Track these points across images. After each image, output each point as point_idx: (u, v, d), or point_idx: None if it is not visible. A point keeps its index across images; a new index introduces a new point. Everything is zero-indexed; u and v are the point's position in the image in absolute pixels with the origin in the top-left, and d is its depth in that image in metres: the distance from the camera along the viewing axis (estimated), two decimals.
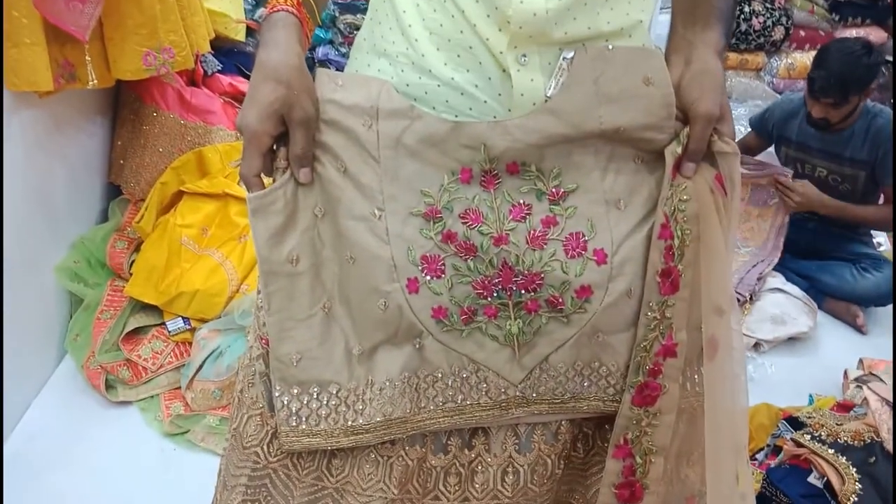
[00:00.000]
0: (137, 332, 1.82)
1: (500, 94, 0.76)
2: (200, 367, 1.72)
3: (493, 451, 0.84)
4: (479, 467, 0.84)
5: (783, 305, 2.25)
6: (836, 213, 2.35)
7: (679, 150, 0.78)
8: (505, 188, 0.78)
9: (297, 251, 0.78)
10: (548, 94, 0.76)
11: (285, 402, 0.79)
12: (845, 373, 1.94)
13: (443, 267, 0.77)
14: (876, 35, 3.55)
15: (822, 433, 1.49)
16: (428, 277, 0.77)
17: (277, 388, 0.79)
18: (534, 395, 0.81)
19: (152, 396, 1.76)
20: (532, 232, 0.78)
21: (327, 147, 0.77)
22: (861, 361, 1.96)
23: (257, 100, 0.74)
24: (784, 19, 3.36)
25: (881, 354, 2.00)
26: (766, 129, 2.49)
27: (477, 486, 0.84)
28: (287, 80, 0.74)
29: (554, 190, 0.78)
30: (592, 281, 0.78)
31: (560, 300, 0.78)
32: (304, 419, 0.79)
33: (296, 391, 0.79)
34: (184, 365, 1.77)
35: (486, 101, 0.76)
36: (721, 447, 0.84)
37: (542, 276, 0.77)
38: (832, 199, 2.34)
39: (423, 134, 0.76)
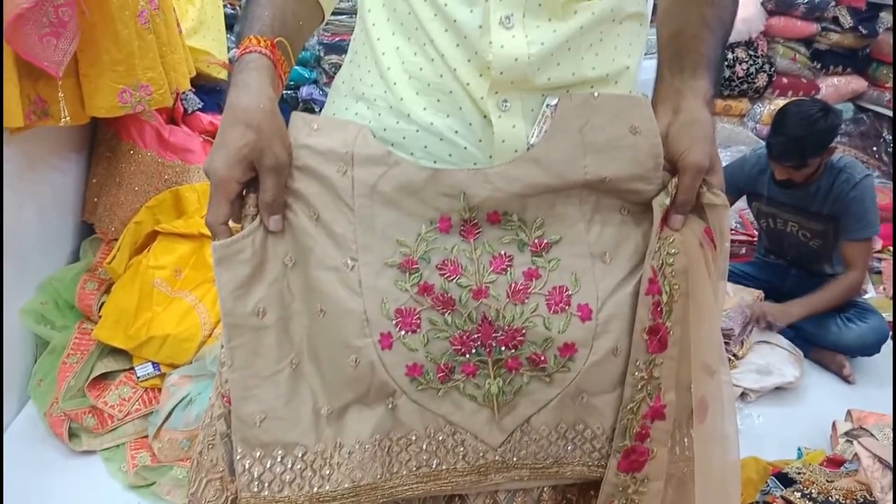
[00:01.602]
0: (104, 377, 1.76)
1: (480, 141, 0.73)
2: (169, 415, 1.65)
3: None
4: None
5: (768, 356, 2.22)
6: (809, 313, 2.35)
7: (667, 201, 0.75)
8: (485, 238, 0.74)
9: (264, 303, 0.74)
10: (530, 142, 0.73)
11: (247, 466, 0.74)
12: (834, 425, 1.91)
13: (419, 321, 0.73)
14: (856, 84, 3.60)
15: (813, 491, 1.45)
16: (402, 332, 0.73)
17: (239, 450, 0.74)
18: (514, 459, 0.76)
19: (118, 446, 1.69)
20: (513, 285, 0.74)
21: (299, 194, 0.73)
22: (849, 413, 1.93)
23: (226, 145, 0.70)
24: (767, 66, 3.40)
25: (869, 405, 1.98)
26: (733, 187, 2.50)
27: None
28: (257, 124, 0.70)
29: (536, 241, 0.75)
30: (576, 338, 0.74)
31: (542, 358, 0.74)
32: (266, 485, 0.74)
33: (258, 454, 0.74)
34: (151, 413, 1.71)
35: (466, 148, 0.74)
36: None
37: (524, 332, 0.74)
38: (796, 306, 2.34)
39: (401, 181, 0.73)
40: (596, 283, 0.75)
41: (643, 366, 0.75)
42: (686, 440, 0.81)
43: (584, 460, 0.78)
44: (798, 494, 1.45)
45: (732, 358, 2.21)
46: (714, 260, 0.78)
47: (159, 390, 1.74)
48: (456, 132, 0.73)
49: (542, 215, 0.75)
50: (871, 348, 2.33)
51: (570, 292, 0.75)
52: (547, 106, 0.73)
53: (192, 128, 2.12)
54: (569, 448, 0.77)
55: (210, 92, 2.26)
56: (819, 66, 3.56)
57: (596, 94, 0.74)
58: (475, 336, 0.74)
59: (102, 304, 1.83)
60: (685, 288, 0.75)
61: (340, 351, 0.73)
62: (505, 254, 0.75)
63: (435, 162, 0.74)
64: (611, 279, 0.76)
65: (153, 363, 1.75)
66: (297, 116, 0.76)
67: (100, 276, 1.89)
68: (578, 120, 0.73)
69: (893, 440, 1.59)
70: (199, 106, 2.15)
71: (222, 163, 0.70)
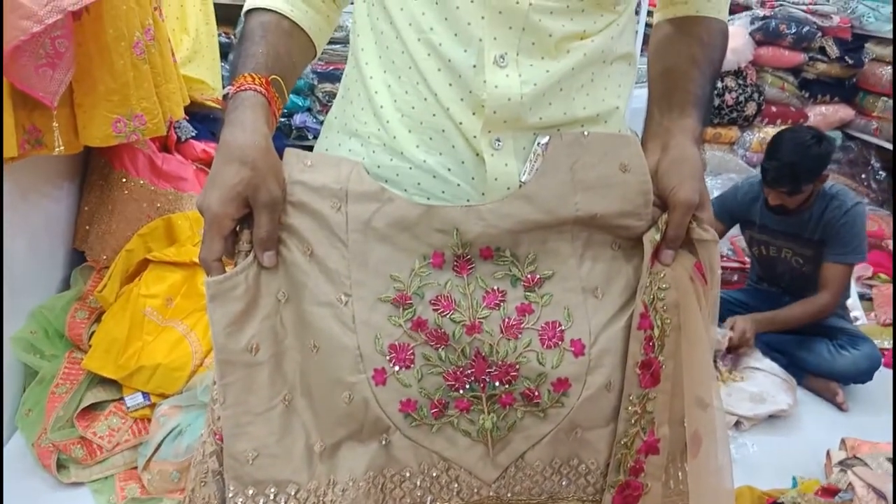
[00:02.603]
0: (94, 407, 1.74)
1: (473, 178, 0.74)
2: (159, 446, 1.63)
3: None
4: None
5: (762, 384, 2.22)
6: (779, 326, 2.38)
7: (657, 237, 0.76)
8: (478, 274, 0.75)
9: (256, 339, 0.73)
10: (522, 180, 0.74)
11: None
12: (828, 454, 1.90)
13: (412, 356, 0.73)
14: (843, 112, 3.65)
15: None
16: (396, 368, 0.73)
17: (231, 488, 0.73)
18: (509, 495, 0.76)
19: (106, 477, 1.67)
20: (506, 320, 0.74)
21: (293, 230, 0.73)
22: (843, 442, 1.93)
23: (220, 182, 0.70)
24: (756, 95, 3.45)
25: (863, 433, 1.98)
26: (725, 214, 2.52)
27: None
28: (252, 161, 0.71)
29: (529, 276, 0.76)
30: (570, 373, 0.74)
31: (536, 393, 0.74)
32: None
33: (251, 492, 0.73)
34: (141, 443, 1.69)
35: (459, 185, 0.74)
36: None
37: (517, 367, 0.74)
38: (764, 314, 2.38)
39: (394, 217, 0.73)
40: (588, 319, 0.76)
41: (636, 400, 0.76)
42: (680, 474, 0.82)
43: (579, 495, 0.78)
44: None
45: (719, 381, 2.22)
46: (705, 294, 0.79)
47: (149, 420, 1.72)
48: (449, 170, 0.74)
49: (535, 251, 0.75)
50: (864, 375, 2.34)
51: (562, 327, 0.75)
52: (538, 144, 0.74)
53: (186, 156, 2.12)
54: (563, 483, 0.77)
55: (204, 120, 2.27)
56: (807, 94, 3.62)
57: (586, 132, 0.75)
58: (469, 371, 0.74)
59: (93, 333, 1.81)
60: (677, 322, 0.76)
61: (334, 387, 0.73)
62: (498, 289, 0.75)
63: (428, 199, 0.75)
64: (603, 314, 0.76)
65: (143, 393, 1.73)
66: (291, 153, 0.77)
67: (90, 305, 1.87)
68: (569, 158, 0.74)
69: (893, 465, 1.58)
70: (193, 134, 2.16)
71: (216, 200, 0.70)
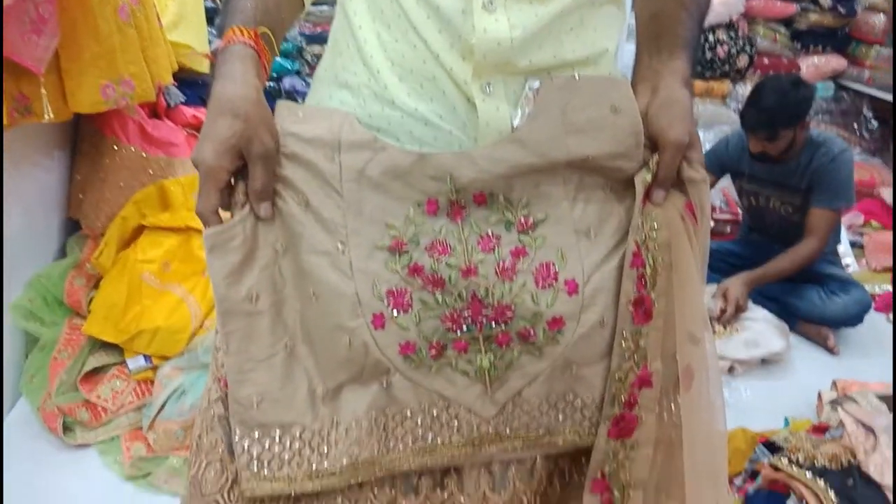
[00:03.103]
0: (96, 371, 1.76)
1: (465, 124, 0.75)
2: (163, 406, 1.66)
3: (467, 491, 0.80)
4: None
5: (755, 329, 2.26)
6: (769, 279, 2.39)
7: (649, 178, 0.77)
8: (472, 219, 0.76)
9: (256, 289, 0.75)
10: (514, 124, 0.74)
11: (246, 447, 0.75)
12: (819, 395, 1.95)
13: (410, 301, 0.75)
14: (836, 63, 3.64)
15: (800, 456, 1.48)
16: (394, 312, 0.74)
17: (237, 432, 0.75)
18: (507, 430, 0.78)
19: (112, 438, 1.70)
20: (501, 263, 0.76)
21: (288, 181, 0.74)
22: (834, 383, 1.96)
23: (213, 135, 0.71)
24: (748, 48, 3.43)
25: (854, 375, 2.02)
26: (715, 165, 2.53)
27: None
28: (244, 113, 0.71)
29: (523, 220, 0.76)
30: (564, 312, 0.76)
31: (532, 332, 0.75)
32: (265, 464, 0.75)
33: (257, 434, 0.75)
34: (145, 405, 1.71)
35: (451, 132, 0.75)
36: (700, 477, 0.82)
37: (513, 307, 0.75)
38: (753, 272, 2.38)
39: (388, 166, 0.74)
40: (581, 259, 0.77)
41: (629, 336, 0.77)
42: (673, 406, 0.83)
43: (575, 429, 0.79)
44: (785, 461, 1.48)
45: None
46: (696, 233, 0.80)
47: (152, 382, 1.74)
48: (440, 117, 0.75)
49: (528, 195, 0.76)
50: (855, 319, 2.38)
51: (556, 268, 0.76)
52: (529, 88, 0.75)
53: (176, 122, 2.11)
54: (560, 418, 0.79)
55: (192, 85, 2.25)
56: (799, 45, 3.60)
57: (577, 75, 0.75)
58: (466, 314, 0.75)
59: (91, 299, 1.82)
60: (668, 260, 0.77)
61: (334, 332, 0.74)
62: (492, 233, 0.76)
63: (421, 146, 0.75)
64: (596, 254, 0.78)
65: (145, 356, 1.75)
66: (283, 105, 0.77)
67: (88, 272, 1.88)
68: (560, 101, 0.74)
69: (894, 409, 1.62)
70: (182, 100, 2.14)
71: (210, 153, 0.71)
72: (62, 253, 2.01)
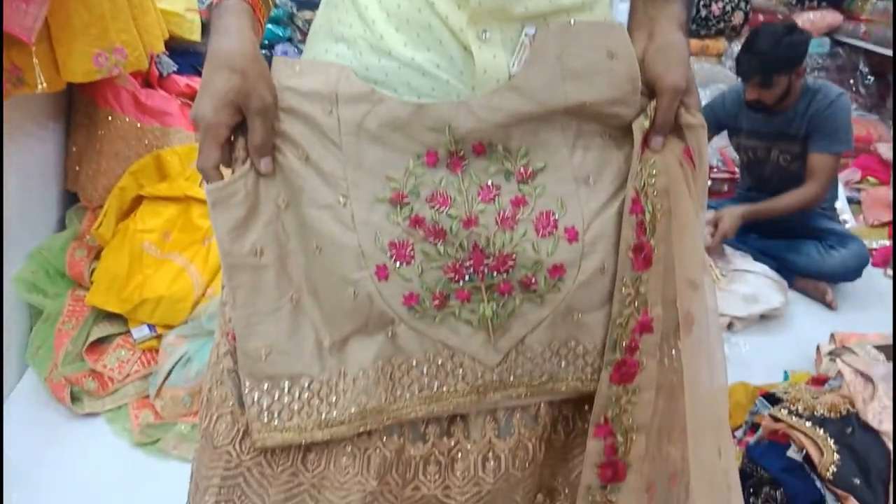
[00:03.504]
0: (101, 341, 1.78)
1: (462, 73, 0.74)
2: (169, 374, 1.67)
3: (473, 438, 0.82)
4: (459, 455, 0.82)
5: (754, 284, 2.27)
6: (765, 215, 2.40)
7: (647, 124, 0.77)
8: (472, 170, 0.76)
9: (260, 243, 0.75)
10: (511, 71, 0.74)
11: (256, 399, 0.76)
12: (818, 348, 1.97)
13: (412, 252, 0.75)
14: (832, 18, 3.61)
15: (799, 407, 1.50)
16: (397, 264, 0.75)
17: (247, 384, 0.76)
18: (511, 378, 0.79)
19: (120, 407, 1.72)
20: (502, 213, 0.76)
21: (287, 136, 0.74)
22: (833, 336, 1.98)
23: (211, 90, 0.71)
24: (743, 4, 3.40)
25: (852, 330, 2.03)
26: (712, 122, 2.52)
27: (457, 473, 0.82)
28: (241, 68, 0.71)
29: (522, 169, 0.76)
30: (565, 259, 0.76)
31: (533, 280, 0.76)
32: (276, 414, 0.76)
33: (266, 386, 0.76)
34: (151, 373, 1.73)
35: (448, 81, 0.74)
36: (702, 422, 0.83)
37: (514, 256, 0.76)
38: (751, 206, 2.40)
39: (386, 118, 0.74)
40: (581, 206, 0.77)
41: (630, 282, 0.77)
42: (674, 352, 0.84)
43: (578, 375, 0.80)
44: (784, 411, 1.50)
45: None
46: (694, 179, 0.80)
47: (157, 351, 1.76)
48: (437, 66, 0.74)
49: (526, 144, 0.76)
50: (853, 273, 2.39)
51: (556, 216, 0.76)
52: (525, 35, 0.74)
53: (169, 91, 2.10)
54: (562, 365, 0.80)
55: (184, 54, 2.23)
56: (794, 1, 3.57)
57: (573, 21, 0.75)
58: (467, 264, 0.75)
59: (93, 270, 1.83)
60: (667, 206, 0.77)
61: (338, 284, 0.75)
62: (492, 184, 0.76)
63: (418, 97, 0.74)
64: (595, 202, 0.78)
65: (149, 325, 1.76)
66: (279, 60, 0.77)
67: (88, 244, 1.89)
68: (557, 47, 0.74)
69: (894, 360, 1.64)
70: (174, 69, 2.13)
71: (209, 108, 0.71)
72: (61, 225, 2.01)
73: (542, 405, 0.83)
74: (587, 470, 0.82)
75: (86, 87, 1.90)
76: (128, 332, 1.77)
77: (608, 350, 0.79)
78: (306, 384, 0.77)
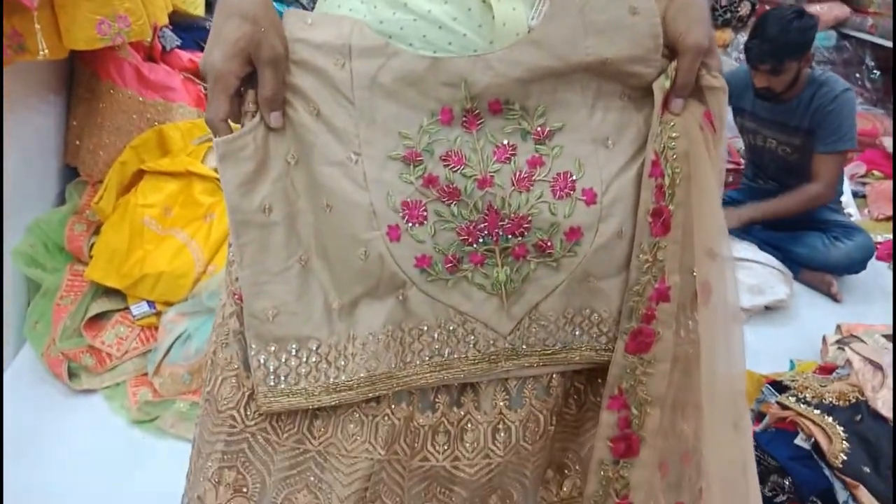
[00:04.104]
0: (100, 317, 1.75)
1: (480, 26, 0.72)
2: (168, 351, 1.65)
3: (483, 409, 0.80)
4: (469, 425, 0.80)
5: (759, 275, 2.25)
6: (770, 217, 2.39)
7: (667, 84, 0.75)
8: (488, 129, 0.74)
9: (269, 200, 0.73)
10: (531, 24, 0.72)
11: (262, 361, 0.74)
12: (824, 338, 1.95)
13: (425, 213, 0.73)
14: (839, 10, 3.59)
15: (807, 395, 1.48)
16: (409, 224, 0.73)
17: (253, 346, 0.74)
18: (524, 346, 0.77)
19: (118, 384, 1.70)
20: (518, 173, 0.74)
21: (298, 89, 0.72)
22: (839, 327, 1.96)
23: (222, 38, 0.69)
24: None
25: (857, 321, 2.01)
26: None
27: (467, 444, 0.80)
28: (253, 15, 0.69)
29: (539, 129, 0.74)
30: (582, 222, 0.74)
31: (549, 244, 0.74)
32: (282, 378, 0.74)
33: (273, 349, 0.74)
34: (150, 350, 1.71)
35: (465, 35, 0.72)
36: (718, 398, 0.81)
37: (530, 218, 0.74)
38: (748, 209, 2.40)
39: (401, 72, 0.71)
40: (599, 168, 0.75)
41: (647, 248, 0.76)
42: (690, 323, 0.82)
43: (592, 345, 0.79)
44: (793, 399, 1.48)
45: None
46: (714, 143, 0.78)
47: (156, 328, 1.74)
48: (454, 19, 0.72)
49: (544, 103, 0.74)
50: (858, 265, 2.38)
51: (574, 178, 0.74)
52: None
53: (172, 66, 2.07)
54: (577, 333, 0.78)
55: (188, 29, 2.20)
56: None
57: None
58: (482, 225, 0.74)
59: (93, 245, 1.81)
60: (687, 171, 0.76)
61: (349, 245, 0.73)
62: (508, 143, 0.74)
63: (435, 51, 0.72)
64: (614, 164, 0.76)
65: (148, 302, 1.74)
66: (291, 13, 0.75)
67: (87, 218, 1.87)
68: (578, 1, 0.72)
69: (894, 355, 1.61)
70: (178, 43, 2.10)
71: (219, 57, 0.69)
72: (61, 199, 1.99)
73: (555, 376, 0.81)
74: (599, 444, 0.81)
75: (88, 59, 1.88)
76: (127, 308, 1.75)
77: (624, 318, 0.78)
78: (314, 347, 0.75)
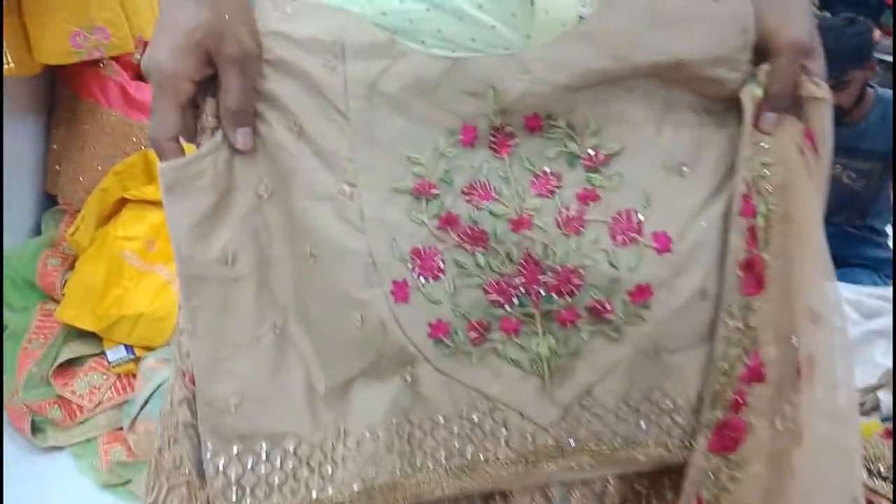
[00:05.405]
0: (72, 363, 1.64)
1: (514, 16, 0.58)
2: (145, 403, 1.53)
3: None
4: None
5: None
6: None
7: (759, 93, 0.60)
8: (523, 152, 0.61)
9: (233, 247, 0.59)
10: (582, 13, 0.58)
11: (220, 467, 0.58)
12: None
13: (442, 264, 0.60)
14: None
15: (881, 466, 1.29)
16: (421, 279, 0.59)
17: (209, 445, 0.59)
18: (572, 442, 0.61)
19: (88, 440, 1.58)
20: (564, 211, 0.60)
21: (273, 98, 0.58)
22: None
23: (171, 27, 0.55)
24: None
25: None
26: None
27: None
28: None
29: (591, 152, 0.61)
30: (652, 277, 0.59)
31: (607, 306, 0.59)
32: (248, 490, 0.59)
33: (235, 450, 0.59)
34: (126, 402, 1.59)
35: (494, 27, 0.58)
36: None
37: (582, 272, 0.60)
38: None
39: (409, 77, 0.58)
40: (673, 204, 0.61)
41: (738, 312, 0.60)
42: (787, 409, 0.65)
43: (662, 440, 0.63)
44: (865, 474, 1.30)
45: None
46: (818, 171, 0.63)
47: (134, 376, 1.63)
48: (480, 7, 0.58)
49: (597, 117, 0.60)
50: None
51: (640, 217, 0.60)
52: None
53: None
54: (642, 425, 0.62)
55: None
56: (829, 15, 3.47)
57: None
58: (517, 281, 0.60)
59: (66, 282, 1.70)
60: (784, 209, 0.60)
61: (339, 306, 0.59)
62: (550, 171, 0.61)
63: (453, 50, 0.59)
64: (692, 197, 0.61)
65: (126, 346, 1.63)
66: None
67: (63, 251, 1.76)
68: None
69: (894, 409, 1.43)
70: None
71: (168, 52, 0.54)
72: (38, 230, 1.89)
73: (611, 480, 0.65)
74: None
75: (69, 76, 1.78)
76: (102, 353, 1.64)
77: (707, 406, 0.61)
78: (291, 448, 0.59)
